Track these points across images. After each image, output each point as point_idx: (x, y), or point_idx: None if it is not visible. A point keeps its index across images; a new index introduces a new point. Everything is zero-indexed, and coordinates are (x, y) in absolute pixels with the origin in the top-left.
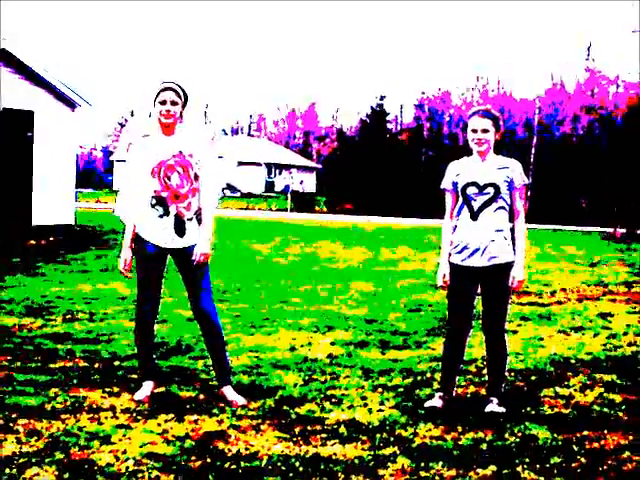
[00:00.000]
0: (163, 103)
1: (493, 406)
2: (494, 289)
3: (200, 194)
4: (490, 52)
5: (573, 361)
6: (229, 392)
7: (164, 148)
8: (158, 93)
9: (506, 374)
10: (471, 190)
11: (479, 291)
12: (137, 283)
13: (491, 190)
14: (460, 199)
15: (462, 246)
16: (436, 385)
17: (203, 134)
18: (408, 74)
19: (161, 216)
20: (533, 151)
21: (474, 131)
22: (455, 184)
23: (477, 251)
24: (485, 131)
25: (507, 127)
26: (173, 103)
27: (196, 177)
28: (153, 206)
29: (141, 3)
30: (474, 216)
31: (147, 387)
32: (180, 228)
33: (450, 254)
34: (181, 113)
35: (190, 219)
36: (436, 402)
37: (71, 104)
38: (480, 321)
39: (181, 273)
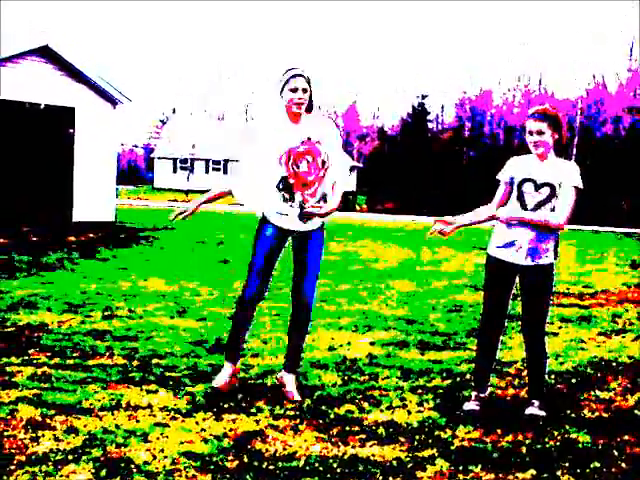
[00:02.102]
0: (294, 91)
1: (533, 409)
2: (534, 289)
3: (329, 178)
4: (532, 52)
5: (614, 364)
6: (290, 382)
7: (293, 136)
8: (287, 80)
9: (546, 377)
10: (527, 187)
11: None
12: (249, 264)
13: (547, 190)
14: (513, 194)
15: (508, 241)
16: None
17: (328, 121)
18: (450, 73)
19: (285, 201)
20: (574, 152)
21: (530, 133)
22: (512, 178)
23: (522, 249)
24: (540, 133)
25: None
26: (304, 91)
27: (323, 164)
28: (280, 190)
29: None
30: None
31: (227, 371)
32: (305, 215)
33: (492, 247)
34: (310, 100)
35: (315, 204)
36: (473, 406)
37: (112, 101)
38: (520, 322)
39: (296, 256)
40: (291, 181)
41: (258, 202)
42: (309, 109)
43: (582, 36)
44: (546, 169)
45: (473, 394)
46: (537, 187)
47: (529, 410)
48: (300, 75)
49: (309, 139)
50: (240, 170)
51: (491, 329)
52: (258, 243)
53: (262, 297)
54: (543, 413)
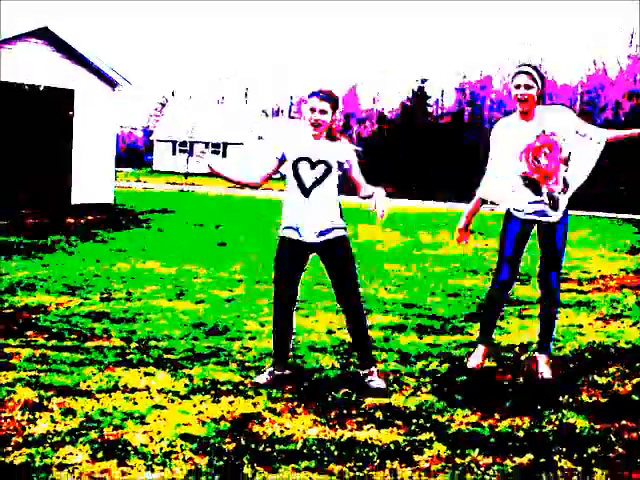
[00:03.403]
0: (517, 87)
1: (377, 381)
2: (336, 261)
3: (571, 163)
4: (532, 36)
5: (612, 349)
6: (542, 363)
7: (527, 132)
8: (513, 77)
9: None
10: (303, 166)
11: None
12: (500, 253)
13: (322, 168)
14: (289, 173)
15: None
16: (475, 370)
17: (559, 108)
18: (449, 57)
19: (534, 194)
20: None
21: (312, 111)
22: (284, 155)
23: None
24: (323, 112)
25: None
26: (527, 87)
27: (561, 151)
28: (526, 186)
29: None
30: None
31: (480, 351)
32: (555, 204)
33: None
34: (540, 96)
35: (560, 192)
36: (264, 378)
37: (112, 83)
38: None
39: (542, 247)
40: (534, 176)
41: (508, 199)
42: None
43: (583, 21)
44: (320, 147)
45: (269, 367)
46: (312, 165)
47: (374, 384)
48: (524, 72)
49: (543, 132)
50: (488, 174)
51: (281, 306)
52: (507, 235)
53: (513, 283)
54: (383, 385)
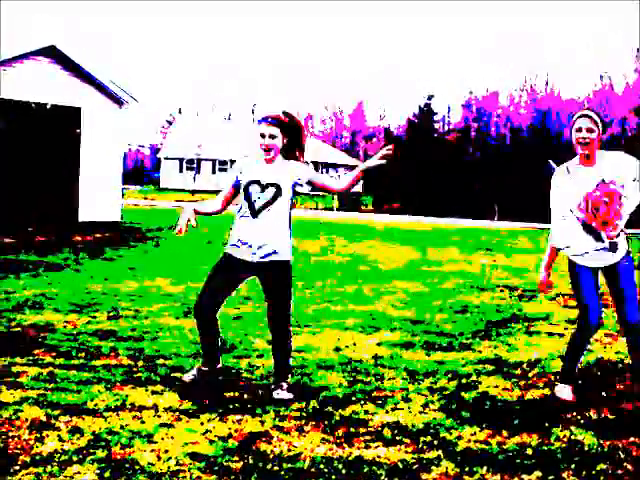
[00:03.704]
0: (579, 130)
1: (282, 392)
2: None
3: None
4: (539, 52)
5: (620, 365)
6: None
7: (586, 180)
8: (574, 121)
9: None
10: (253, 189)
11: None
12: (577, 298)
13: (272, 191)
14: (241, 196)
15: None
16: (483, 387)
17: (622, 156)
18: (456, 74)
19: (595, 241)
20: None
21: (262, 136)
22: (238, 180)
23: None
24: (272, 137)
25: (554, 128)
26: (589, 130)
27: (620, 198)
28: (587, 234)
29: (186, 3)
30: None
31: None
32: (614, 247)
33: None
34: (599, 140)
35: (618, 235)
36: (190, 375)
37: (119, 101)
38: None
39: (610, 287)
40: (593, 224)
41: (571, 247)
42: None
43: (590, 36)
44: (271, 171)
45: (196, 367)
46: (262, 188)
47: (277, 394)
48: (585, 115)
49: (603, 181)
50: (553, 222)
51: (205, 312)
52: (581, 275)
53: (600, 324)
54: (290, 396)
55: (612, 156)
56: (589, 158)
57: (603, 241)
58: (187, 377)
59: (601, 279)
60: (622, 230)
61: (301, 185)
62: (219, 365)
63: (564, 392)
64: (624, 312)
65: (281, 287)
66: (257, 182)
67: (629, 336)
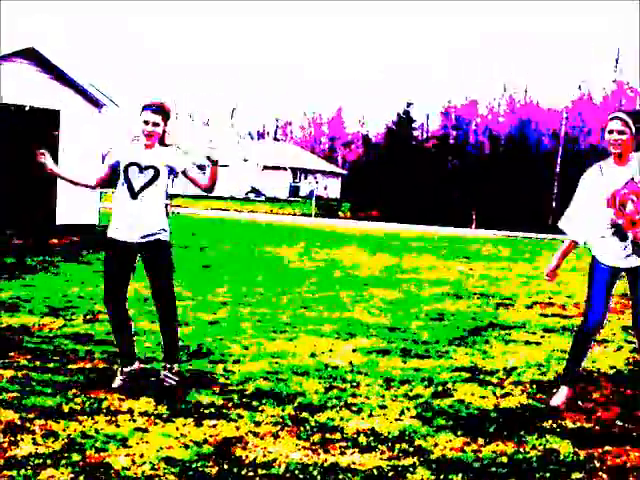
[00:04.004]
0: (610, 132)
1: (167, 374)
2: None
3: None
4: (518, 61)
5: (596, 374)
6: None
7: (617, 178)
8: (607, 122)
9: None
10: (132, 171)
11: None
12: (587, 298)
13: (150, 172)
14: (120, 179)
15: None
16: (459, 395)
17: None
18: (435, 82)
19: (619, 241)
20: (559, 161)
21: (146, 123)
22: (117, 162)
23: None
24: (156, 124)
25: (533, 137)
26: (620, 132)
27: None
28: (613, 234)
29: (167, 4)
30: None
31: (563, 393)
32: (638, 250)
33: (111, 229)
34: (631, 141)
35: None
36: (118, 382)
37: (97, 104)
38: None
39: (631, 291)
40: (619, 221)
41: (595, 246)
42: None
43: (568, 46)
44: (150, 155)
45: (119, 370)
46: (141, 170)
47: (164, 375)
48: (617, 117)
49: (632, 180)
50: (571, 211)
51: (115, 306)
52: (596, 274)
53: (602, 326)
54: (174, 381)
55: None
56: (621, 158)
57: (627, 242)
58: (116, 384)
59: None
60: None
61: (176, 173)
62: (139, 365)
63: (556, 397)
64: (637, 319)
65: (163, 266)
66: (136, 164)
67: None
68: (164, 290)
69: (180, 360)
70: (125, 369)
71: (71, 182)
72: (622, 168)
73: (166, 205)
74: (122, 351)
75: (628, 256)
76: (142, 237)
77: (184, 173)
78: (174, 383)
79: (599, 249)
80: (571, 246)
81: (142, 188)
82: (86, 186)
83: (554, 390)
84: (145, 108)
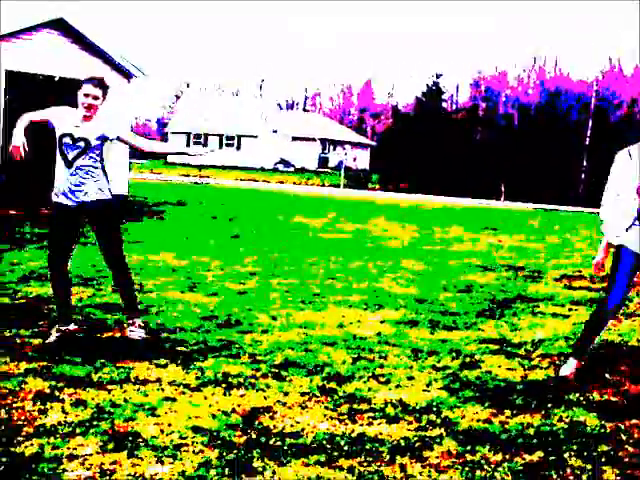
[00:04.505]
0: None
1: (136, 330)
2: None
3: None
4: (548, 32)
5: (624, 348)
6: None
7: None
8: None
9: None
10: (66, 141)
11: None
12: (611, 282)
13: (82, 144)
14: (57, 149)
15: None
16: (486, 367)
17: None
18: (465, 52)
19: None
20: (589, 133)
21: (86, 96)
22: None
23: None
24: (96, 98)
25: (562, 109)
26: None
27: None
28: (638, 221)
29: None
30: None
31: (572, 364)
32: None
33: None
34: None
35: None
36: (53, 337)
37: (126, 74)
38: None
39: None
40: None
41: (623, 236)
42: None
43: (600, 17)
44: (85, 127)
45: (55, 327)
46: (74, 141)
47: (131, 333)
48: None
49: None
50: (606, 198)
51: (56, 266)
52: (621, 259)
53: (621, 309)
54: (143, 333)
55: None
56: None
57: None
58: (51, 339)
59: None
60: None
61: (110, 140)
62: (74, 327)
63: (565, 367)
64: None
65: (109, 226)
66: (69, 135)
67: None
68: (116, 247)
69: (139, 312)
70: (61, 327)
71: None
72: None
73: (104, 169)
74: (58, 310)
75: None
76: (80, 202)
77: (119, 139)
78: (144, 335)
79: (626, 235)
80: (607, 244)
81: (74, 158)
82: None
83: (563, 360)
84: (85, 82)
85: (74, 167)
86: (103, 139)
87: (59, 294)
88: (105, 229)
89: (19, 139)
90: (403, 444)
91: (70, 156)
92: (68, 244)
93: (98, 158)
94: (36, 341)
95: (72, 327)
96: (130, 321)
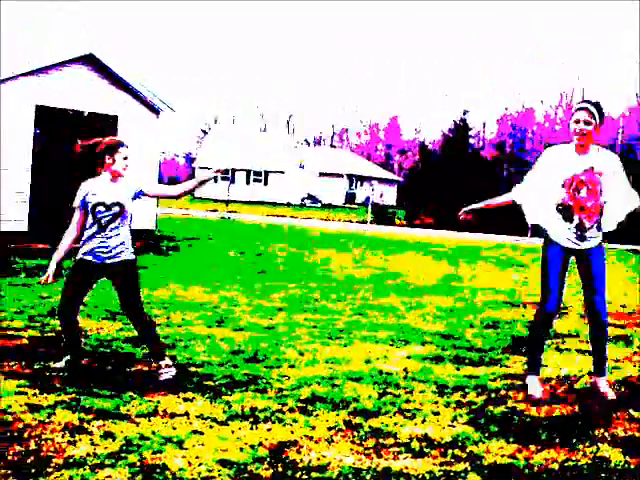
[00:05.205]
0: (577, 122)
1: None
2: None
3: (609, 208)
4: (575, 69)
5: None
6: (603, 384)
7: (577, 164)
8: (573, 112)
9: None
10: (100, 209)
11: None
12: (543, 281)
13: (117, 209)
14: (89, 219)
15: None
16: (512, 402)
17: (614, 156)
18: (492, 89)
19: (564, 220)
20: None
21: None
22: (84, 202)
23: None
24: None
25: None
26: (586, 123)
27: (601, 192)
28: (559, 212)
29: (226, 9)
30: None
31: (533, 380)
32: (581, 235)
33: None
34: (596, 132)
35: (590, 227)
36: (62, 363)
37: (155, 110)
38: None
39: (580, 274)
40: (570, 203)
41: (540, 217)
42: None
43: (626, 54)
44: (115, 188)
45: (65, 358)
46: (108, 207)
47: (162, 376)
48: (584, 108)
49: (592, 168)
50: (526, 185)
51: (68, 312)
52: (548, 262)
53: (559, 310)
54: (173, 371)
55: (607, 154)
56: (583, 147)
57: (572, 224)
58: (58, 364)
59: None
60: (598, 224)
61: (139, 198)
62: (85, 360)
63: (532, 386)
64: (592, 299)
65: (132, 283)
66: (102, 204)
67: (592, 323)
68: (137, 302)
69: (165, 355)
70: (69, 358)
71: (71, 247)
72: (582, 157)
73: (130, 228)
74: (68, 347)
75: (571, 235)
76: (104, 261)
77: (144, 194)
78: (174, 373)
79: (550, 229)
80: (505, 204)
81: (108, 222)
82: (76, 239)
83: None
84: (123, 145)
85: (107, 230)
86: (137, 197)
87: (68, 337)
88: (126, 288)
89: (52, 269)
90: (428, 478)
91: (104, 221)
92: (81, 298)
93: (128, 219)
94: (65, 374)
95: (82, 360)
96: (156, 365)
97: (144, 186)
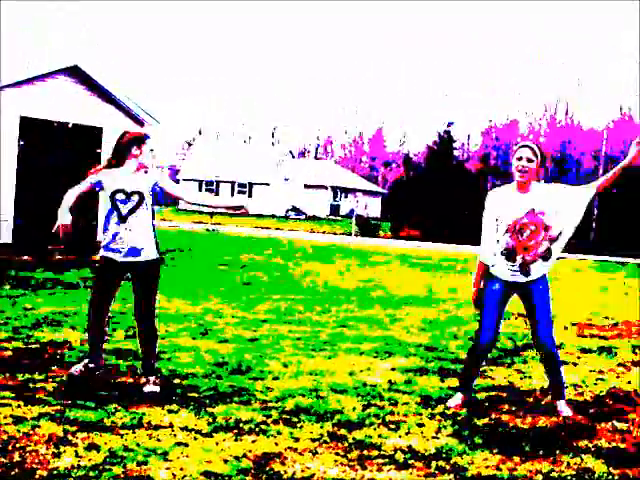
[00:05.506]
0: (519, 159)
1: (151, 386)
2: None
3: (551, 243)
4: (559, 82)
5: (633, 396)
6: (562, 406)
7: (518, 206)
8: (515, 151)
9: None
10: (119, 196)
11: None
12: (480, 313)
13: (136, 197)
14: (107, 204)
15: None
16: (496, 414)
17: (556, 187)
18: (476, 101)
19: (508, 260)
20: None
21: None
22: (100, 186)
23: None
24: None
25: (574, 158)
26: (529, 160)
27: (546, 229)
28: (502, 254)
29: (210, 22)
30: None
31: (458, 397)
32: (527, 272)
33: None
34: (537, 171)
35: (533, 261)
36: (78, 367)
37: (139, 121)
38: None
39: (525, 305)
40: (513, 244)
41: (491, 260)
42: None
43: (610, 67)
44: (135, 178)
45: (83, 362)
46: (127, 196)
47: (146, 389)
48: (526, 146)
49: (533, 210)
50: (482, 236)
51: (96, 314)
52: (487, 294)
53: (496, 341)
54: (157, 388)
55: (547, 188)
56: (524, 185)
57: (516, 263)
58: (75, 370)
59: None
60: (541, 256)
61: (157, 189)
62: (102, 363)
63: (452, 399)
64: (536, 329)
65: (149, 285)
66: (122, 190)
67: (540, 353)
68: (149, 307)
69: (156, 372)
70: (89, 364)
71: (71, 206)
72: (524, 196)
73: (153, 225)
74: (92, 348)
75: (515, 273)
76: (129, 259)
77: (162, 190)
78: (158, 389)
79: (495, 268)
80: (481, 268)
81: (129, 212)
82: (73, 202)
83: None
84: (148, 137)
85: (127, 221)
86: (154, 190)
87: (95, 334)
88: (145, 288)
89: (67, 218)
90: None
91: (124, 211)
92: (111, 297)
93: (150, 211)
94: (49, 385)
95: (101, 369)
96: (145, 379)
97: (159, 177)
